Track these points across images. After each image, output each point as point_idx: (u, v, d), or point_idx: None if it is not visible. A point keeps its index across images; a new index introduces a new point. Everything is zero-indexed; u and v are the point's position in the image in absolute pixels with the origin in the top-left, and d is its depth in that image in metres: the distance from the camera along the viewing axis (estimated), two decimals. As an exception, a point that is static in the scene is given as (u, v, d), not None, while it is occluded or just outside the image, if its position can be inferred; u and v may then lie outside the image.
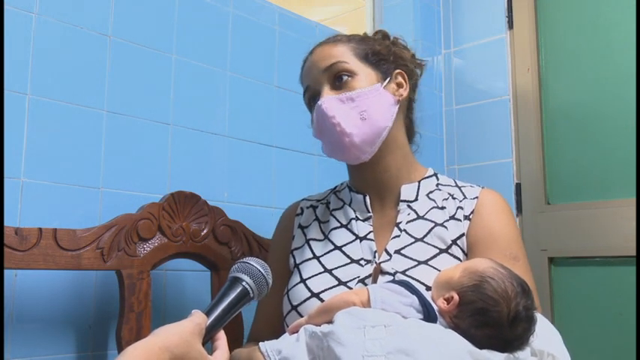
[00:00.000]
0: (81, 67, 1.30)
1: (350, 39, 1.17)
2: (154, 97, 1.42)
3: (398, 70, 1.16)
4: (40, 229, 1.09)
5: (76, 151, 1.27)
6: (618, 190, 1.82)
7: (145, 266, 1.22)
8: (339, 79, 1.11)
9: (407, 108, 1.20)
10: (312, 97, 1.15)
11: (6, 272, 1.12)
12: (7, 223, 1.10)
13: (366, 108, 1.09)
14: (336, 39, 1.17)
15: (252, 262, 0.90)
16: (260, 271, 0.90)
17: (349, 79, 1.11)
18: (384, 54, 1.16)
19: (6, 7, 1.18)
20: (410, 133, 1.22)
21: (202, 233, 1.32)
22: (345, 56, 1.12)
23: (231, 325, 0.88)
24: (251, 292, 0.88)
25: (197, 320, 0.81)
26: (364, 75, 1.12)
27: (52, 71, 1.25)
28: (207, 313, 0.84)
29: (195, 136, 1.49)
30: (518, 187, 2.01)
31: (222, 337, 0.85)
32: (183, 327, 0.78)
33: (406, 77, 1.17)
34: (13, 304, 1.16)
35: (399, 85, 1.16)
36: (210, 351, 0.83)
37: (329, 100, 1.09)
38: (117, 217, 1.21)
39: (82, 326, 1.26)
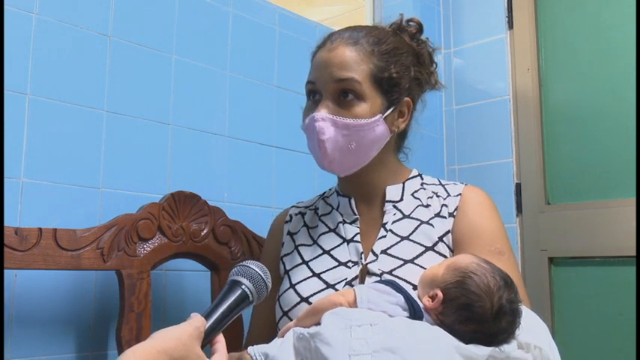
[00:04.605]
0: (81, 67, 1.30)
1: (373, 49, 1.10)
2: (154, 97, 1.42)
3: (406, 99, 1.13)
4: (40, 229, 1.09)
5: (76, 151, 1.27)
6: (618, 190, 1.82)
7: (145, 266, 1.22)
8: (344, 94, 1.08)
9: (399, 135, 1.17)
10: (312, 91, 1.13)
11: (6, 272, 1.12)
12: (7, 223, 1.10)
13: (358, 140, 1.08)
14: (361, 42, 1.10)
15: (251, 266, 0.90)
16: (259, 274, 0.90)
17: (355, 100, 1.07)
18: (400, 82, 1.11)
19: (6, 7, 1.18)
20: (399, 149, 1.21)
21: (202, 233, 1.32)
22: (361, 74, 1.08)
23: (230, 324, 0.88)
24: (250, 295, 0.88)
25: (196, 323, 0.80)
26: (371, 103, 1.08)
27: (52, 71, 1.25)
28: (207, 317, 0.83)
29: (195, 136, 1.49)
30: (518, 187, 2.01)
31: (221, 341, 0.85)
32: (182, 330, 0.78)
33: (411, 107, 1.15)
34: (13, 304, 1.16)
35: (401, 115, 1.14)
36: (209, 354, 0.83)
37: (324, 119, 1.07)
38: (117, 217, 1.21)
39: (82, 326, 1.26)
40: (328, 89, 1.09)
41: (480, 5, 2.17)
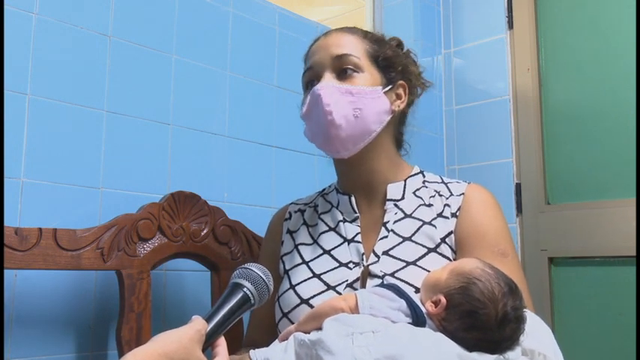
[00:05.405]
0: (81, 67, 1.30)
1: (366, 35, 1.17)
2: (154, 97, 1.42)
3: (401, 82, 1.16)
4: (40, 229, 1.09)
5: (76, 151, 1.27)
6: (618, 190, 1.82)
7: (145, 266, 1.22)
8: (344, 71, 1.10)
9: (399, 121, 1.19)
10: (311, 79, 1.14)
11: (6, 272, 1.12)
12: (7, 223, 1.10)
13: (362, 107, 1.08)
14: (353, 30, 1.17)
15: (253, 268, 0.90)
16: (261, 277, 0.90)
17: (355, 73, 1.10)
18: (394, 62, 1.15)
19: (6, 7, 1.18)
20: (399, 143, 1.21)
21: (202, 233, 1.32)
22: (358, 51, 1.12)
23: (231, 326, 0.88)
24: (252, 298, 0.88)
25: (197, 327, 0.80)
26: (370, 74, 1.11)
27: (52, 71, 1.25)
28: (208, 319, 0.83)
29: (195, 136, 1.49)
30: (518, 187, 2.01)
31: (222, 344, 0.84)
32: (183, 333, 0.78)
33: (407, 91, 1.17)
34: (13, 304, 1.16)
35: (398, 97, 1.15)
36: (210, 357, 0.83)
37: (328, 88, 1.08)
38: (117, 217, 1.21)
39: (82, 326, 1.26)
40: (326, 67, 1.12)
41: (479, 5, 2.17)
